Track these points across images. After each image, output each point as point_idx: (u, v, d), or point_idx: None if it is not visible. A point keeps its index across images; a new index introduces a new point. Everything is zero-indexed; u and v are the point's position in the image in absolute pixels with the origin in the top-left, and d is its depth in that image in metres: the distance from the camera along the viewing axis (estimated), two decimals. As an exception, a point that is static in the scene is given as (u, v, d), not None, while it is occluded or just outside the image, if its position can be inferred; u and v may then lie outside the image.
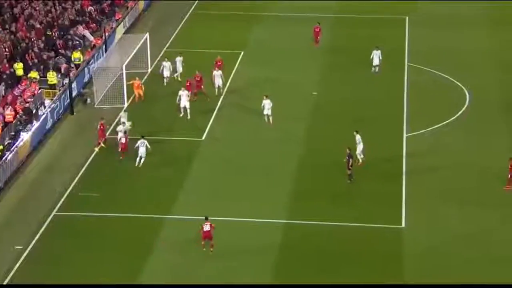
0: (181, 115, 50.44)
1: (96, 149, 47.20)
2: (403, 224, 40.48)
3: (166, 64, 54.58)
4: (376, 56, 56.10)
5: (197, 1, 70.69)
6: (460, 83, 55.15)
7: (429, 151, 47.12)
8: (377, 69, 56.29)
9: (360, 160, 44.53)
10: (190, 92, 51.01)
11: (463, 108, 51.93)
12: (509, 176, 42.33)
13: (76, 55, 55.54)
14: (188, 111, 50.29)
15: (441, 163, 45.83)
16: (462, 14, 67.65)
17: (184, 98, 50.17)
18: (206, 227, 38.00)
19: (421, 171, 44.93)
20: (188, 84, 51.94)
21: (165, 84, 54.38)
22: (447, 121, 50.28)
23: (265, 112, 48.96)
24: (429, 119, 50.21)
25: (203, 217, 38.71)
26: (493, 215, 41.11)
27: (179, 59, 55.42)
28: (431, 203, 42.14)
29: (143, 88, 52.88)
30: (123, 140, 46.17)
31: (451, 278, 36.58)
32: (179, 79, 55.04)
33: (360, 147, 44.46)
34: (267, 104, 48.84)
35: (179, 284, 36.15)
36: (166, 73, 54.46)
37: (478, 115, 51.16)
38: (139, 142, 45.13)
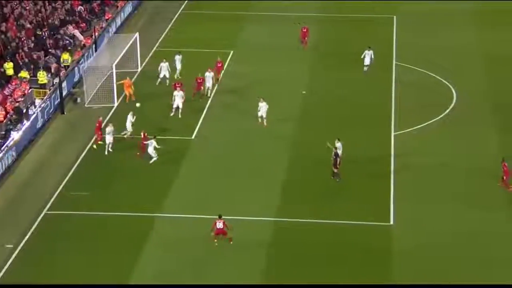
0: (172, 114, 50.30)
1: (94, 146, 47.06)
2: (391, 222, 40.50)
3: (164, 65, 54.26)
4: (367, 56, 56.13)
5: (186, 1, 70.56)
6: (448, 82, 55.23)
7: (417, 150, 47.17)
8: (365, 68, 56.27)
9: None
10: (179, 90, 50.61)
11: (450, 107, 52.01)
12: (504, 177, 42.18)
13: (65, 56, 55.29)
14: (180, 111, 50.16)
15: (429, 161, 45.88)
16: (450, 13, 67.76)
17: (178, 99, 50.04)
18: (219, 225, 38.07)
19: (409, 169, 44.98)
20: (178, 84, 51.66)
21: (157, 83, 53.93)
22: (434, 120, 50.34)
23: (260, 114, 48.66)
24: (416, 118, 50.25)
25: (193, 216, 38.60)
26: (479, 213, 41.17)
27: (178, 58, 55.28)
28: (419, 201, 42.19)
29: (133, 88, 52.74)
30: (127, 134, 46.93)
31: (439, 274, 36.64)
32: (179, 76, 54.81)
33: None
34: (263, 106, 48.55)
35: (178, 284, 36.06)
36: (164, 73, 54.01)
37: (465, 113, 51.25)
38: (149, 141, 45.04)
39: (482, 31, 64.05)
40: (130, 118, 47.61)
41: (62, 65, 54.88)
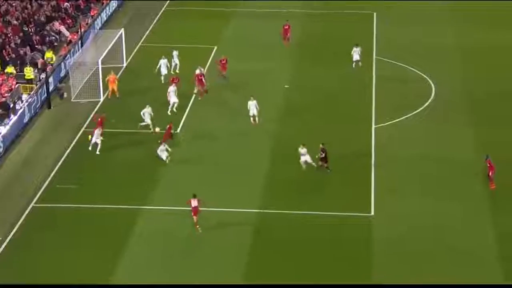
0: (169, 111, 50.09)
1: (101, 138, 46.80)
2: (372, 212, 40.80)
3: (163, 62, 54.05)
4: (355, 53, 56.39)
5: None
6: (426, 76, 55.56)
7: (397, 142, 47.47)
8: (353, 64, 56.37)
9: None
10: (175, 85, 50.61)
11: (429, 100, 52.35)
12: (489, 173, 42.32)
13: (49, 55, 54.91)
14: (175, 105, 50.14)
15: (408, 153, 46.20)
16: (428, 9, 68.05)
17: (172, 94, 50.07)
18: (194, 203, 38.92)
19: (389, 161, 45.28)
20: (176, 80, 51.58)
21: (162, 82, 53.43)
22: (413, 113, 50.65)
23: (251, 113, 48.28)
24: (396, 111, 50.55)
25: (179, 208, 38.81)
26: (456, 204, 41.51)
27: (175, 53, 55.27)
28: (399, 192, 42.50)
29: (117, 83, 52.55)
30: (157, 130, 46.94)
31: (417, 261, 37.05)
32: (177, 71, 54.85)
33: (306, 158, 43.38)
34: (252, 105, 48.31)
35: (175, 284, 36.21)
36: (164, 71, 53.74)
37: (443, 107, 51.58)
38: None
39: (459, 26, 64.36)
40: (148, 111, 47.38)
41: (40, 66, 54.20)
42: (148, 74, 55.77)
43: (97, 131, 45.60)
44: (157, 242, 38.54)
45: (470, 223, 40.13)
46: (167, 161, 44.47)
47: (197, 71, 52.49)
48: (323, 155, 43.19)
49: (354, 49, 56.44)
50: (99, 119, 47.12)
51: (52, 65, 53.98)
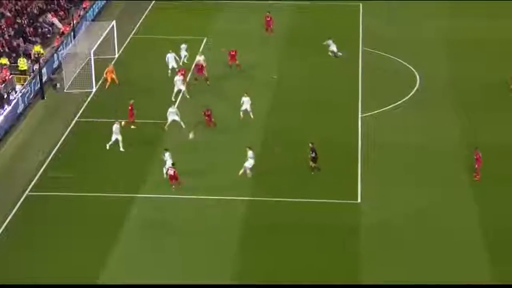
0: (173, 99, 49.98)
1: (133, 126, 47.04)
2: (359, 199, 40.98)
3: (171, 56, 53.76)
4: (332, 45, 56.61)
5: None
6: (411, 66, 55.69)
7: (383, 130, 47.63)
8: (338, 54, 56.52)
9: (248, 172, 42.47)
10: (180, 75, 50.83)
11: (414, 90, 52.50)
12: (476, 166, 42.32)
13: (37, 48, 54.45)
14: (183, 93, 50.35)
15: (394, 141, 46.37)
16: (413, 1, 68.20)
17: (179, 83, 50.17)
18: (171, 171, 40.71)
19: (376, 149, 45.44)
20: (182, 71, 51.67)
21: (169, 75, 53.08)
22: (399, 102, 50.82)
23: (243, 107, 47.76)
24: (382, 100, 50.70)
25: (172, 196, 39.01)
26: (440, 190, 41.75)
27: (184, 46, 55.16)
28: (385, 180, 42.71)
29: (114, 73, 52.44)
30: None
31: (403, 248, 37.30)
32: (186, 61, 54.81)
33: (250, 162, 42.39)
34: (246, 101, 47.96)
35: (174, 284, 36.31)
36: (172, 64, 53.35)
37: (428, 96, 51.76)
38: (166, 154, 42.24)
39: (444, 17, 64.47)
40: (173, 111, 46.86)
41: (34, 57, 53.84)
42: (139, 65, 55.72)
43: (116, 126, 44.62)
44: (150, 231, 38.58)
45: (454, 209, 40.36)
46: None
47: (199, 59, 52.53)
48: (314, 154, 42.77)
49: (328, 42, 56.70)
50: (130, 107, 46.96)
51: (39, 59, 53.40)
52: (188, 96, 50.63)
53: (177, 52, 54.73)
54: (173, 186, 41.21)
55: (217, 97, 51.18)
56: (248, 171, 42.12)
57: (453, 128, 47.79)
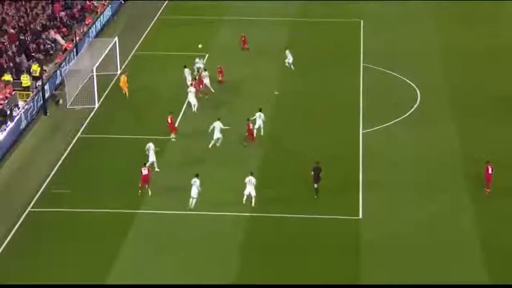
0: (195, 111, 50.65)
1: (173, 139, 47.33)
2: (360, 215, 40.69)
3: (187, 71, 53.61)
4: (289, 55, 57.20)
5: (164, 5, 70.36)
6: (412, 82, 55.51)
7: (384, 146, 47.43)
8: (287, 65, 57.04)
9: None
10: (196, 90, 51.34)
11: (415, 106, 52.31)
12: (485, 179, 42.01)
13: (34, 67, 54.12)
14: (196, 106, 50.56)
15: (395, 157, 46.17)
16: (412, 14, 68.16)
17: (190, 95, 50.55)
18: (144, 172, 40.86)
19: (377, 165, 45.20)
20: (196, 82, 52.24)
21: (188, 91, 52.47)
22: (400, 118, 50.62)
23: (257, 125, 47.26)
24: (383, 116, 50.51)
25: (173, 212, 38.68)
26: (441, 205, 41.53)
27: (198, 61, 55.53)
28: (387, 195, 42.46)
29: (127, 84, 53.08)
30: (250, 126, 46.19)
31: (406, 263, 37.01)
32: (196, 76, 54.88)
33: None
34: (261, 117, 47.45)
35: (173, 284, 36.06)
36: (189, 79, 53.25)
37: (428, 111, 51.56)
38: (192, 180, 40.98)
39: (441, 31, 64.46)
40: (218, 126, 46.41)
41: (32, 75, 53.60)
42: (141, 81, 55.61)
43: (152, 147, 44.05)
44: (151, 246, 38.33)
45: (456, 223, 40.11)
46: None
47: (203, 74, 52.90)
48: (317, 174, 41.75)
49: (287, 52, 57.33)
50: (169, 120, 47.27)
51: (37, 77, 53.13)
52: (196, 111, 50.63)
53: (191, 67, 54.56)
54: (140, 191, 41.20)
55: (220, 110, 51.04)
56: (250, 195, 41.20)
57: (455, 143, 47.57)
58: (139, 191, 41.73)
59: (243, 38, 61.23)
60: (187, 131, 48.67)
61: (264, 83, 55.43)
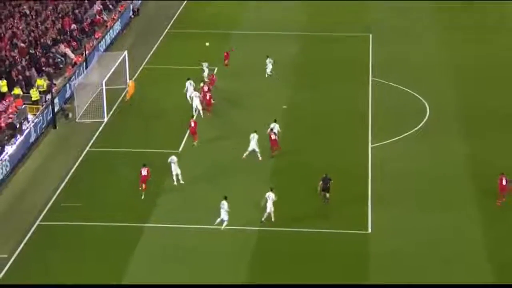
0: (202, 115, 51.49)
1: (195, 144, 48.11)
2: (369, 230, 40.52)
3: (189, 84, 53.73)
4: (269, 64, 57.71)
5: (172, 21, 70.60)
6: (421, 96, 55.40)
7: (393, 161, 47.27)
8: (268, 74, 57.65)
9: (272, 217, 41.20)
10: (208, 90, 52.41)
11: (424, 120, 52.18)
12: (500, 191, 41.90)
13: (40, 82, 54.11)
14: (201, 112, 51.45)
15: (404, 171, 46.02)
16: (420, 27, 68.17)
17: (196, 100, 51.38)
18: (144, 172, 42.00)
19: (386, 179, 45.06)
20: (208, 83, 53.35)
21: (191, 103, 52.74)
22: (409, 132, 50.49)
23: (273, 137, 47.01)
24: (392, 131, 50.39)
25: (180, 226, 38.70)
26: (452, 219, 41.36)
27: (205, 64, 56.53)
28: (396, 209, 42.28)
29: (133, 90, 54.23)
30: (273, 137, 46.40)
31: (415, 277, 36.80)
32: (206, 81, 55.70)
33: (269, 206, 40.77)
34: (275, 127, 47.53)
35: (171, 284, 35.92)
36: (190, 93, 53.29)
37: (438, 126, 51.43)
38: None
39: (452, 46, 64.41)
40: (256, 138, 46.36)
41: (38, 90, 53.64)
42: (150, 95, 55.67)
43: (175, 160, 43.97)
44: (160, 260, 38.22)
45: (465, 237, 39.94)
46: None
47: (204, 87, 53.26)
48: (326, 185, 41.79)
49: (268, 60, 57.83)
50: (192, 126, 47.83)
51: (43, 92, 53.19)
52: (202, 116, 51.08)
53: (194, 79, 54.67)
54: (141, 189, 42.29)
55: (229, 125, 50.99)
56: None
57: (464, 157, 47.41)
58: (141, 191, 42.43)
59: (225, 54, 60.66)
60: (195, 147, 48.54)
61: (272, 97, 55.39)
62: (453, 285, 35.99)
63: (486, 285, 35.97)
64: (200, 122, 50.98)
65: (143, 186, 42.63)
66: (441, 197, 43.39)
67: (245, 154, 46.48)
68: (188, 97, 53.53)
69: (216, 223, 39.99)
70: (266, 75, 57.57)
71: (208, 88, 53.45)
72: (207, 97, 52.78)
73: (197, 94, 51.81)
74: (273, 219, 40.66)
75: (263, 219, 40.60)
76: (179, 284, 36.16)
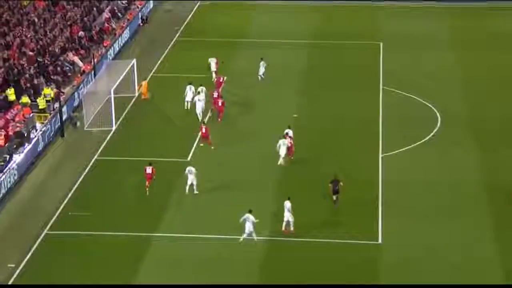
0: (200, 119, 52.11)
1: (202, 144, 49.18)
2: (380, 240, 40.43)
3: (188, 89, 54.23)
4: (262, 66, 58.18)
5: (181, 29, 70.78)
6: (432, 105, 55.33)
7: (403, 170, 47.19)
8: (260, 77, 58.09)
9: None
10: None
11: (435, 129, 52.09)
12: None
13: (47, 91, 54.27)
14: (201, 115, 52.19)
15: (415, 181, 45.94)
16: (431, 36, 68.11)
17: (199, 104, 52.23)
18: (148, 170, 43.26)
19: (397, 189, 44.97)
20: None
21: (187, 108, 53.64)
22: (420, 142, 50.41)
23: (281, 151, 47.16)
24: (403, 140, 50.30)
25: (189, 235, 38.65)
26: (462, 230, 41.27)
27: (212, 60, 57.68)
28: (406, 220, 42.16)
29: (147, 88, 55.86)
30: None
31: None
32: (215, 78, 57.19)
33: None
34: (290, 133, 47.75)
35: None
36: (188, 98, 54.01)
37: (449, 135, 51.33)
38: (244, 216, 39.93)
39: (460, 52, 64.36)
40: (285, 142, 46.75)
41: (45, 99, 53.82)
42: (158, 103, 55.78)
43: (193, 170, 44.02)
44: (168, 270, 38.19)
45: (476, 248, 39.83)
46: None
47: (215, 94, 53.73)
48: (336, 187, 42.29)
49: (261, 63, 58.45)
50: (204, 131, 48.74)
51: (49, 101, 53.35)
52: (200, 118, 51.55)
53: (195, 85, 54.82)
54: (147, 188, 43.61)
55: (238, 134, 51.03)
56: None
57: (476, 166, 47.30)
58: (147, 188, 43.78)
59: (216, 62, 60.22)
60: (204, 156, 48.57)
61: (282, 106, 55.40)
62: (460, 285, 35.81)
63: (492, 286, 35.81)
64: (212, 128, 51.09)
65: (147, 183, 43.59)
66: (453, 208, 43.26)
67: (280, 161, 46.52)
68: (186, 102, 53.80)
69: (242, 238, 39.67)
70: (259, 78, 57.91)
71: (218, 94, 53.65)
72: (219, 103, 52.91)
73: (200, 98, 52.19)
74: (292, 228, 40.53)
75: (283, 228, 40.52)
76: (180, 284, 36.04)
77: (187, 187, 44.01)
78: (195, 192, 43.98)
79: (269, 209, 42.71)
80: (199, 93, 53.73)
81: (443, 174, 46.68)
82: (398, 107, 55.47)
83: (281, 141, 46.76)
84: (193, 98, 53.81)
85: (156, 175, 44.12)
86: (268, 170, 46.91)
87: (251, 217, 39.53)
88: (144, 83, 56.58)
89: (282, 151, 46.55)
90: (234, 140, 50.49)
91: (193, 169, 44.06)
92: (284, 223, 40.57)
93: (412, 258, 39.02)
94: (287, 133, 47.85)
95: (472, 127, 52.36)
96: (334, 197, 42.48)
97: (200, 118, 52.17)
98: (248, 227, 39.41)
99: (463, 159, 48.45)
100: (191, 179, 43.87)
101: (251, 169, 46.96)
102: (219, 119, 52.67)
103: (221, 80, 56.39)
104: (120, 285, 35.73)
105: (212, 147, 48.79)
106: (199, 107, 52.60)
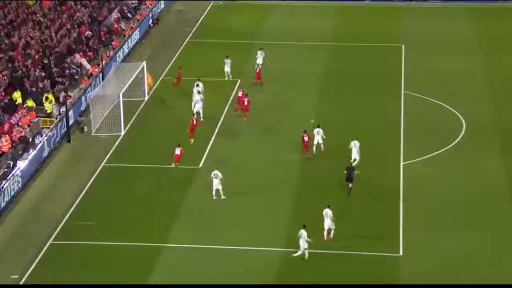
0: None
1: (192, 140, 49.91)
2: (401, 252, 40.08)
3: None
4: (260, 56, 58.95)
5: (195, 29, 70.71)
6: (456, 111, 54.94)
7: (426, 179, 46.84)
8: (258, 68, 58.57)
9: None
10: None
11: (460, 136, 51.69)
12: None
13: (50, 97, 54.01)
14: (201, 115, 52.43)
15: (438, 190, 45.63)
16: (454, 38, 67.75)
17: (198, 105, 52.61)
18: (177, 151, 46.04)
19: (419, 199, 44.63)
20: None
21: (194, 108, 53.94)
22: (444, 149, 50.03)
23: (316, 140, 48.36)
24: (426, 147, 49.96)
25: (199, 246, 38.70)
26: (488, 242, 40.89)
27: (227, 61, 59.00)
28: (428, 232, 41.84)
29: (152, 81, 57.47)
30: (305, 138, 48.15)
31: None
32: (230, 76, 58.89)
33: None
34: (318, 134, 48.36)
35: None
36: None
37: (474, 142, 50.93)
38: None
39: (486, 56, 63.98)
40: (357, 145, 47.32)
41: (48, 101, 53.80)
42: (170, 107, 55.63)
43: (219, 175, 44.04)
44: (176, 281, 37.97)
45: (501, 261, 39.39)
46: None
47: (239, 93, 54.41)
48: (350, 175, 42.94)
49: (259, 52, 59.27)
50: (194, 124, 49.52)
51: (60, 103, 53.50)
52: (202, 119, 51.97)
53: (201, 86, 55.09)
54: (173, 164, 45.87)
55: (252, 140, 50.85)
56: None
57: (501, 175, 46.89)
58: (172, 164, 46.36)
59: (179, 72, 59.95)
60: (217, 163, 48.32)
61: (300, 110, 55.14)
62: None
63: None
64: (221, 133, 50.90)
65: (176, 164, 46.38)
66: (477, 218, 42.91)
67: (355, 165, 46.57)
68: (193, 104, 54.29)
69: (296, 254, 39.41)
70: (255, 66, 58.40)
71: (243, 93, 53.59)
72: (245, 103, 52.90)
73: (199, 99, 52.77)
74: (331, 236, 40.44)
75: (325, 238, 40.46)
76: (179, 284, 35.74)
77: (214, 192, 43.99)
78: (222, 197, 43.90)
79: (282, 219, 42.45)
80: (199, 92, 53.66)
81: (468, 183, 46.30)
82: (420, 112, 55.12)
83: (352, 143, 47.27)
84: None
85: (166, 183, 43.79)
86: (282, 177, 46.65)
87: (304, 233, 39.23)
88: (150, 77, 57.46)
89: (355, 154, 47.03)
90: (248, 141, 50.22)
91: (219, 173, 43.99)
92: (325, 232, 40.46)
93: (434, 271, 38.62)
94: (304, 130, 48.56)
95: (499, 134, 51.96)
96: (350, 185, 42.24)
97: (194, 113, 52.22)
98: (302, 243, 39.15)
99: (490, 167, 48.04)
100: (216, 184, 43.80)
101: (265, 177, 46.72)
102: (244, 118, 52.52)
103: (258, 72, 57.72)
104: (119, 285, 35.55)
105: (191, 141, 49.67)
106: (198, 106, 52.89)
